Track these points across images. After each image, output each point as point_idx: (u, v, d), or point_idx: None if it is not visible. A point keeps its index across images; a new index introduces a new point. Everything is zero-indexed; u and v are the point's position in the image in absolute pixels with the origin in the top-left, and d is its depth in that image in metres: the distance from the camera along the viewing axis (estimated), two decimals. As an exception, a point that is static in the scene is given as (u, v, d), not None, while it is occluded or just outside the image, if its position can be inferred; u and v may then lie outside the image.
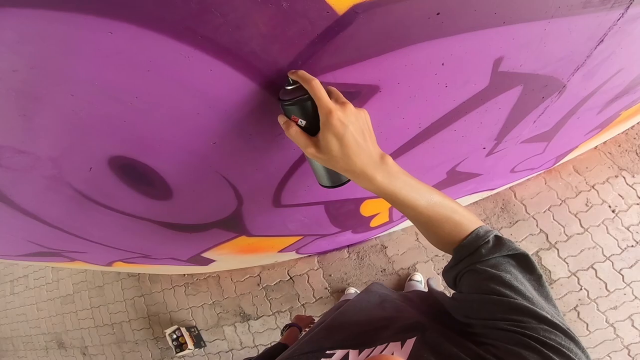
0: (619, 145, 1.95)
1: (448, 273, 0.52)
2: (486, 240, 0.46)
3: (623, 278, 1.84)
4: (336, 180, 0.55)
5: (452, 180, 1.28)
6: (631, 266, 1.84)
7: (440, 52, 0.55)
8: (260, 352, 0.76)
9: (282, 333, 1.14)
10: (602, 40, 0.68)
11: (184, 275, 2.66)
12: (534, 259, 0.52)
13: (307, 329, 1.17)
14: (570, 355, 0.32)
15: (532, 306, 0.37)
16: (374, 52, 0.50)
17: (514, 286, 0.40)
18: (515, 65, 0.67)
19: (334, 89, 0.48)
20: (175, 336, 2.52)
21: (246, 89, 0.49)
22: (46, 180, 0.69)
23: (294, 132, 0.46)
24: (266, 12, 0.38)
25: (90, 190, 0.76)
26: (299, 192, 0.94)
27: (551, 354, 0.32)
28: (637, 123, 1.94)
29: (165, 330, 2.54)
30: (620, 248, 1.86)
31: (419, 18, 0.46)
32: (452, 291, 0.53)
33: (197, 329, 2.58)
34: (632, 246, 1.85)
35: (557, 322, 0.36)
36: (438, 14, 0.47)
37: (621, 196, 1.90)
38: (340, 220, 1.41)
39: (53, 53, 0.38)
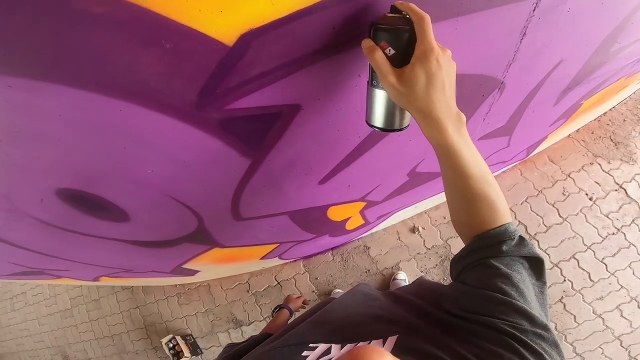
0: (592, 133, 1.95)
1: (459, 262, 0.50)
2: (512, 237, 0.45)
3: (606, 267, 1.83)
4: (392, 124, 0.51)
5: (416, 181, 1.29)
6: (614, 254, 1.83)
7: (352, 65, 0.55)
8: (246, 339, 0.76)
9: (272, 314, 1.13)
10: (525, 34, 0.68)
11: (176, 285, 2.69)
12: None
13: (301, 309, 1.16)
14: (548, 358, 0.34)
15: (529, 309, 0.38)
16: (281, 73, 0.51)
17: (519, 288, 0.40)
18: (439, 68, 0.68)
19: None
20: (171, 345, 2.54)
21: (161, 122, 0.51)
22: (6, 213, 0.71)
23: (379, 57, 0.43)
24: (153, 54, 0.40)
25: (50, 218, 0.78)
26: (257, 205, 0.96)
27: (530, 356, 0.33)
28: (609, 110, 1.95)
29: (161, 340, 2.57)
30: (601, 236, 1.86)
31: (316, 34, 0.47)
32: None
33: (192, 337, 2.61)
34: (613, 234, 1.84)
35: (548, 327, 0.37)
36: (333, 28, 0.47)
37: (598, 183, 1.90)
38: (312, 227, 1.42)
39: None
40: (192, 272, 1.88)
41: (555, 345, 0.35)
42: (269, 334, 0.75)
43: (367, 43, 0.44)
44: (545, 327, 0.36)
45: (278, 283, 2.33)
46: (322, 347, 0.44)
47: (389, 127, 0.51)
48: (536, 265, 0.45)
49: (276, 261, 2.09)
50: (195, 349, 2.56)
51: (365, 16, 0.47)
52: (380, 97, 0.49)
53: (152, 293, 2.80)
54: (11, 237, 0.88)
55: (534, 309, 0.39)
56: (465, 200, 0.48)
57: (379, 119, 0.51)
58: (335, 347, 0.43)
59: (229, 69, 0.46)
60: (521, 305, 0.38)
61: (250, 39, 0.43)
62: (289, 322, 0.79)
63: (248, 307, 2.40)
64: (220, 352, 0.74)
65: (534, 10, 0.63)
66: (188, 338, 2.58)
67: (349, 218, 1.51)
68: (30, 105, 0.43)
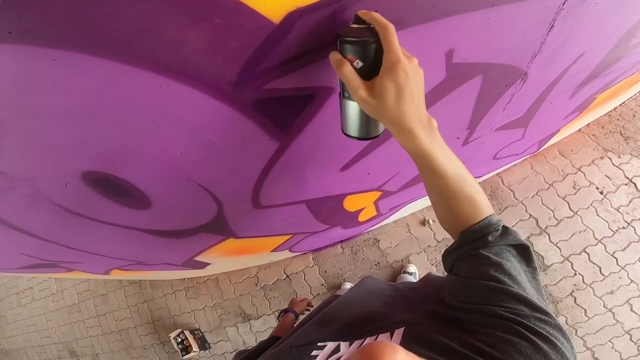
0: (603, 127, 1.95)
1: (449, 255, 0.52)
2: (496, 228, 0.47)
3: (617, 261, 1.83)
4: (367, 133, 0.52)
5: (432, 171, 1.29)
6: (624, 248, 1.83)
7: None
8: (255, 345, 0.77)
9: (278, 319, 1.15)
10: (553, 26, 0.69)
11: (184, 279, 2.69)
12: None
13: (306, 312, 1.18)
14: (557, 343, 0.34)
15: (526, 295, 0.38)
16: (320, 55, 0.51)
17: (512, 275, 0.41)
18: (469, 55, 0.68)
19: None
20: (179, 339, 2.56)
21: (199, 101, 0.51)
22: (27, 198, 0.71)
23: (348, 72, 0.43)
24: (200, 29, 0.40)
25: (70, 204, 0.78)
26: (277, 193, 0.96)
27: (539, 341, 0.33)
28: (620, 105, 1.94)
29: (169, 335, 2.59)
30: (612, 230, 1.86)
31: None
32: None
33: (200, 331, 2.62)
34: (624, 228, 1.85)
35: (548, 311, 0.37)
36: (376, 11, 0.48)
37: (608, 177, 1.90)
38: (326, 217, 1.43)
39: (5, 82, 0.40)
40: (203, 265, 1.89)
41: (558, 329, 0.36)
42: (277, 337, 0.77)
43: (334, 56, 0.44)
44: (545, 312, 0.37)
45: (287, 276, 2.34)
46: (330, 345, 0.44)
47: (365, 136, 0.53)
48: (524, 252, 0.46)
49: (286, 254, 2.09)
50: (203, 344, 2.57)
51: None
52: (353, 109, 0.50)
53: (160, 287, 2.81)
54: (28, 225, 0.88)
55: (531, 294, 0.39)
56: (446, 200, 0.50)
57: (354, 129, 0.53)
58: (343, 345, 0.43)
59: (272, 48, 0.46)
60: (516, 291, 0.39)
61: (296, 18, 0.43)
62: (296, 324, 0.79)
63: (257, 300, 2.41)
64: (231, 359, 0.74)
65: (564, 3, 0.63)
66: (196, 332, 2.59)
67: (362, 209, 1.51)
68: (71, 81, 0.42)
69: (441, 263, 0.55)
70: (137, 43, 0.39)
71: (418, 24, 0.54)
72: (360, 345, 0.42)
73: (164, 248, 1.30)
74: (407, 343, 0.39)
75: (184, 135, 0.59)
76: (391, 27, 0.41)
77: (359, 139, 0.53)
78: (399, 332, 0.41)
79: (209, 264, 1.88)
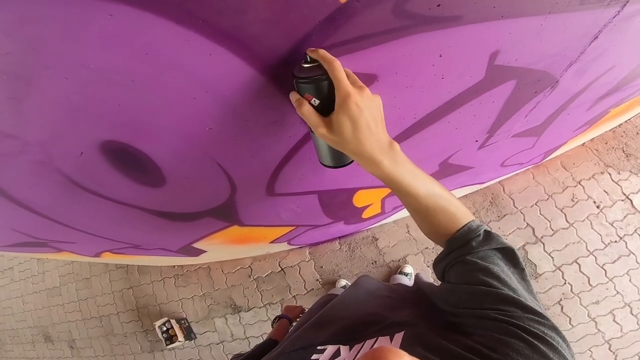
0: (606, 143, 2.00)
1: (439, 264, 0.54)
2: (477, 233, 0.48)
3: (606, 273, 1.89)
4: (339, 162, 0.56)
5: (444, 172, 1.29)
6: (614, 261, 1.90)
7: (439, 44, 0.55)
8: (252, 348, 0.77)
9: (272, 325, 1.15)
10: (597, 37, 0.69)
11: (174, 266, 2.64)
12: (521, 252, 0.54)
13: (298, 319, 1.18)
14: (553, 343, 0.34)
15: (517, 297, 0.39)
16: (373, 41, 0.50)
17: (501, 278, 0.42)
18: (511, 59, 0.67)
19: (350, 72, 0.48)
20: (165, 328, 2.51)
21: (245, 75, 0.49)
22: (34, 166, 0.67)
23: (306, 111, 0.46)
24: (267, -2, 0.38)
25: (80, 176, 0.75)
26: (293, 180, 0.94)
27: (536, 342, 0.34)
28: (625, 121, 1.99)
29: (154, 323, 2.53)
30: (604, 243, 1.92)
31: (419, 8, 0.46)
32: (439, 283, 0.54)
33: (187, 321, 2.58)
34: (616, 242, 1.91)
35: (541, 312, 0.37)
36: (439, 5, 0.47)
37: (606, 192, 1.95)
38: (333, 211, 1.41)
39: (50, 36, 0.37)
40: (198, 252, 1.85)
41: (554, 329, 0.36)
42: (274, 340, 0.77)
43: (293, 96, 0.47)
44: (537, 313, 0.37)
45: (282, 269, 2.31)
46: (330, 349, 0.44)
47: (338, 165, 0.57)
48: (509, 255, 0.47)
49: (283, 246, 2.07)
50: (189, 334, 2.53)
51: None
52: (321, 142, 0.53)
53: (149, 273, 2.75)
54: (28, 198, 0.84)
55: (522, 296, 0.40)
56: (422, 216, 0.53)
57: (327, 159, 0.57)
58: (343, 349, 0.44)
59: (330, 26, 0.44)
60: (507, 294, 0.39)
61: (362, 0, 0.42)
62: (292, 327, 0.79)
63: (248, 292, 2.38)
64: None
65: (615, 16, 0.63)
66: (182, 322, 2.55)
67: (369, 205, 1.50)
68: (123, 39, 0.40)
69: None
70: (202, 4, 0.37)
71: (475, 22, 0.53)
72: (360, 349, 0.42)
73: (164, 231, 1.26)
74: (407, 347, 0.39)
75: (219, 109, 0.56)
76: (336, 63, 0.42)
77: (332, 167, 0.57)
78: (398, 336, 0.42)
79: (204, 251, 1.84)
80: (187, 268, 2.60)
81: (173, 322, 2.49)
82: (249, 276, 2.39)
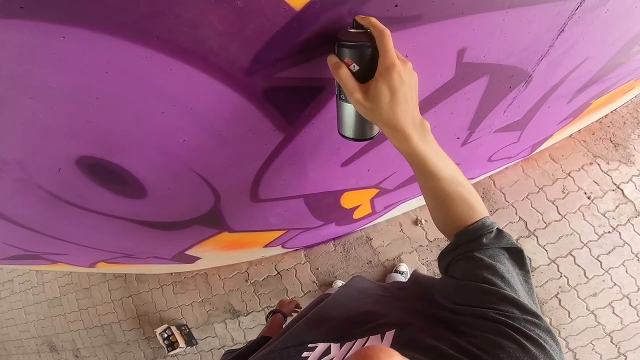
0: (593, 134, 2.00)
1: (445, 257, 0.53)
2: (490, 230, 0.48)
3: (601, 264, 1.89)
4: (362, 134, 0.54)
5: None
6: (609, 252, 1.89)
7: (403, 45, 0.55)
8: (244, 344, 0.77)
9: (266, 319, 1.15)
10: (563, 30, 0.69)
11: (172, 274, 2.65)
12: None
13: (294, 314, 1.18)
14: (546, 346, 0.34)
15: (518, 297, 0.39)
16: (333, 46, 0.50)
17: (505, 277, 0.42)
18: (479, 55, 0.68)
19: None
20: (166, 335, 2.51)
21: (209, 87, 0.49)
22: (15, 183, 0.68)
23: (345, 75, 0.45)
24: (221, 11, 0.39)
25: (61, 191, 0.75)
26: (276, 185, 0.95)
27: (527, 344, 0.34)
28: (611, 112, 1.99)
29: (155, 330, 2.54)
30: (597, 234, 1.91)
31: (377, 10, 0.47)
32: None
33: (187, 327, 2.58)
34: (609, 232, 1.91)
35: (538, 314, 0.38)
36: (396, 5, 0.48)
37: (596, 183, 1.95)
38: (322, 213, 1.42)
39: (9, 59, 0.38)
40: (193, 259, 1.85)
41: (548, 332, 0.36)
42: (266, 337, 0.76)
43: (332, 60, 0.46)
44: (535, 315, 0.37)
45: (278, 273, 2.32)
46: (321, 346, 0.44)
47: (360, 137, 0.55)
48: (517, 256, 0.47)
49: (278, 250, 2.07)
50: (190, 340, 2.53)
51: None
52: (349, 110, 0.51)
53: (147, 282, 2.75)
54: (15, 213, 0.85)
55: (523, 297, 0.40)
56: (440, 201, 0.51)
57: (349, 130, 0.54)
58: (334, 347, 0.43)
59: (288, 35, 0.45)
60: (509, 294, 0.39)
61: (316, 7, 0.43)
62: (285, 324, 0.79)
63: (246, 297, 2.39)
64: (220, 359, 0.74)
65: (577, 8, 0.64)
66: (183, 328, 2.55)
67: (358, 206, 1.51)
68: (79, 59, 0.40)
69: (432, 263, 0.56)
70: (155, 22, 0.38)
71: (436, 21, 0.54)
72: (351, 348, 0.42)
73: (154, 240, 1.27)
74: (398, 345, 0.39)
75: (190, 122, 0.57)
76: (387, 32, 0.42)
77: (354, 139, 0.55)
78: (389, 335, 0.41)
79: (199, 258, 1.85)
80: (184, 275, 2.60)
81: (173, 328, 2.49)
82: (246, 280, 2.40)
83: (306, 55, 0.50)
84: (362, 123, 0.52)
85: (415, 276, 0.63)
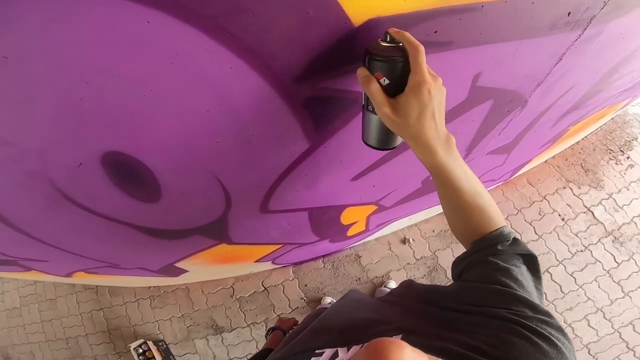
0: (566, 159, 2.17)
1: (460, 263, 0.54)
2: (507, 239, 0.49)
3: (575, 280, 2.02)
4: (386, 144, 0.56)
5: (426, 189, 1.36)
6: (582, 269, 2.03)
7: (430, 65, 0.60)
8: (248, 359, 0.75)
9: (266, 337, 1.14)
10: (561, 59, 0.77)
11: (150, 287, 2.52)
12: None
13: (291, 331, 1.17)
14: (558, 343, 0.35)
15: (530, 298, 0.40)
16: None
17: (519, 280, 0.43)
18: (490, 80, 0.74)
19: None
20: (141, 350, 2.35)
21: (259, 89, 0.51)
22: (26, 176, 0.64)
23: (374, 89, 0.45)
24: (293, 17, 0.41)
25: (72, 188, 0.72)
26: (287, 197, 0.96)
27: (540, 342, 0.35)
28: (582, 139, 2.17)
29: (129, 345, 2.37)
30: (571, 253, 2.06)
31: (418, 34, 0.50)
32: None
33: (165, 342, 2.44)
34: (582, 251, 2.05)
35: (550, 314, 0.39)
36: (435, 32, 0.52)
37: (569, 205, 2.11)
38: (321, 229, 1.43)
39: (73, 39, 0.37)
40: (179, 272, 1.79)
41: (560, 330, 0.37)
42: (269, 349, 0.76)
43: (362, 72, 0.47)
44: (547, 314, 0.38)
45: (265, 289, 2.27)
46: (328, 352, 0.44)
47: (384, 147, 0.57)
48: (531, 262, 0.48)
49: (267, 265, 2.04)
50: (167, 356, 2.39)
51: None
52: (375, 122, 0.53)
53: (121, 295, 2.59)
54: (11, 211, 0.80)
55: (535, 299, 0.41)
56: (460, 212, 0.53)
57: (374, 139, 0.56)
58: (341, 351, 0.44)
59: (341, 47, 0.48)
60: (522, 295, 0.40)
61: (374, 25, 0.46)
62: (287, 335, 0.78)
63: (231, 312, 2.30)
64: None
65: (576, 40, 0.71)
66: (160, 344, 2.41)
67: (354, 223, 1.53)
68: (156, 47, 0.41)
69: (419, 280, 0.57)
70: (234, 19, 0.39)
71: (464, 47, 0.59)
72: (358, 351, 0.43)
73: (150, 249, 1.22)
74: None
75: (229, 123, 0.58)
76: (421, 49, 0.43)
77: (377, 148, 0.57)
78: (396, 338, 0.41)
79: (186, 271, 1.78)
80: (164, 289, 2.48)
81: (150, 344, 2.34)
82: (231, 296, 2.32)
83: (349, 68, 0.53)
84: (386, 134, 0.53)
85: (409, 282, 0.64)
